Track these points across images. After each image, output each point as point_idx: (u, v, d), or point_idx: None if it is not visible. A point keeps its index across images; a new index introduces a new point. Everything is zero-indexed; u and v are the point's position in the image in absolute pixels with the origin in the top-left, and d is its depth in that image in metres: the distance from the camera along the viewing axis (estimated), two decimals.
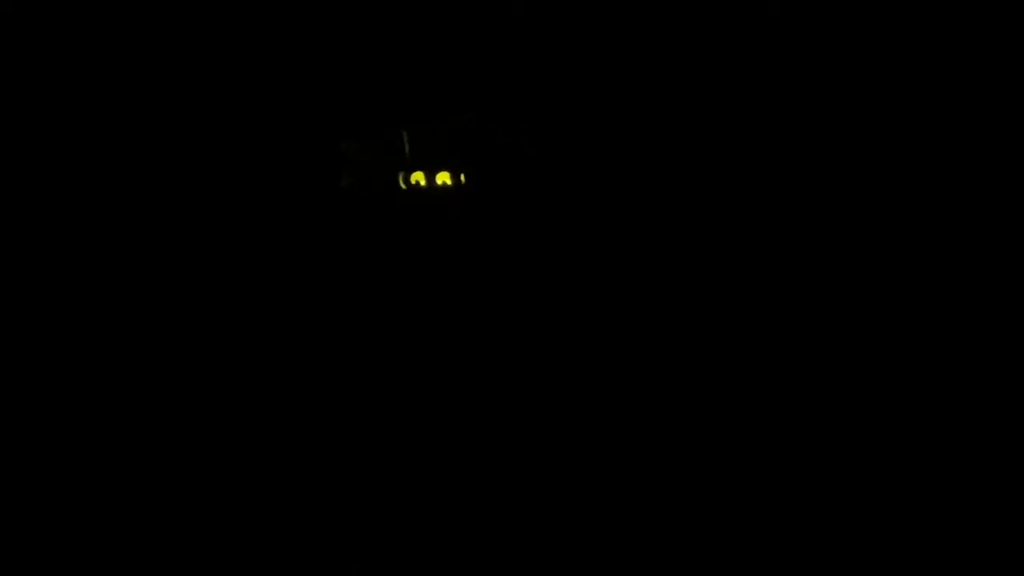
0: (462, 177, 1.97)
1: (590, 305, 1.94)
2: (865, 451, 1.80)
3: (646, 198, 1.96)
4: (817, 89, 1.89)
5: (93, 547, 1.80)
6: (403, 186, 1.99)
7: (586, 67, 1.98)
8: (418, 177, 1.98)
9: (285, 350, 1.95)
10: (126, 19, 1.97)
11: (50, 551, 1.79)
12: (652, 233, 1.95)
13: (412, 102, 2.00)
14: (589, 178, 1.98)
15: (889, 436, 1.80)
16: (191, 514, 1.82)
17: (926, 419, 1.80)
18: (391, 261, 1.98)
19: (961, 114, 1.85)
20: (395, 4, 1.99)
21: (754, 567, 1.75)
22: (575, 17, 1.96)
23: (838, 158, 1.90)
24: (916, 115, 1.86)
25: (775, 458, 1.82)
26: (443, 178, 1.98)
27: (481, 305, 1.95)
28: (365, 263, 1.98)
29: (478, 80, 1.99)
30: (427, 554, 1.80)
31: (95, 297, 1.95)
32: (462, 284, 1.95)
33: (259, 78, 2.00)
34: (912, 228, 1.86)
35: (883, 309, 1.86)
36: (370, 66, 2.00)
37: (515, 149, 1.99)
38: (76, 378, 1.91)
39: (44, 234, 1.96)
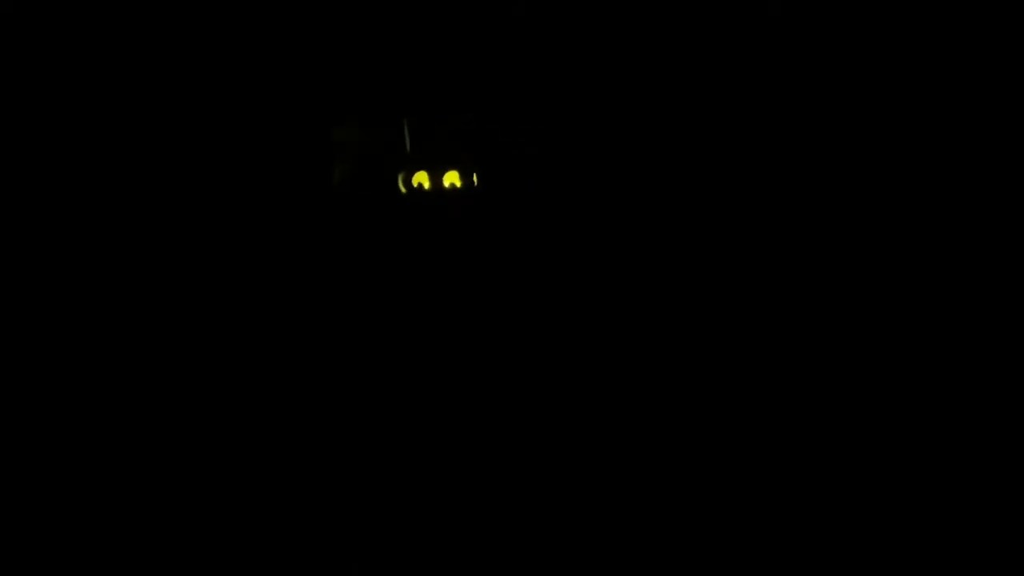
0: (475, 178, 1.81)
1: (596, 318, 1.87)
2: (865, 451, 1.79)
3: (648, 200, 1.91)
4: (817, 89, 1.90)
5: (93, 547, 1.72)
6: (403, 189, 1.81)
7: (586, 67, 1.91)
8: (421, 178, 1.81)
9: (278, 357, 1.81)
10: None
11: (50, 551, 1.71)
12: (656, 238, 1.90)
13: (411, 102, 1.87)
14: (590, 178, 1.91)
15: (889, 436, 1.80)
16: (190, 515, 1.75)
17: (926, 419, 1.80)
18: (392, 272, 1.82)
19: (961, 114, 1.89)
20: (394, 3, 1.86)
21: (754, 567, 1.72)
22: (575, 17, 1.90)
23: (838, 158, 1.91)
24: (916, 115, 1.90)
25: (777, 459, 1.80)
26: (451, 178, 1.81)
27: (496, 315, 1.84)
28: (363, 272, 1.82)
29: (477, 80, 1.88)
30: (427, 554, 1.73)
31: (75, 296, 1.79)
32: (483, 298, 1.84)
33: (245, 68, 1.81)
34: (911, 228, 1.88)
35: (883, 309, 1.87)
36: (366, 66, 1.86)
37: (515, 149, 1.88)
38: (63, 377, 1.77)
39: (37, 228, 1.79)
